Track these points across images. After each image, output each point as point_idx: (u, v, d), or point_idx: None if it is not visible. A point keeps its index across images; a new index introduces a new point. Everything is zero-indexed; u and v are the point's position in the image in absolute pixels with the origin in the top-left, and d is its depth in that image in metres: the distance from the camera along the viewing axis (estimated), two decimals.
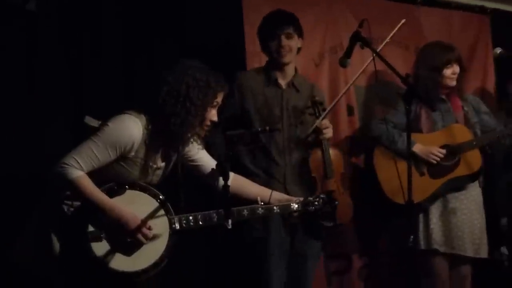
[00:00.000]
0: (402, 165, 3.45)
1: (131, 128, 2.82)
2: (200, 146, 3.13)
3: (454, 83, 4.21)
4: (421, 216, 4.12)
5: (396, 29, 3.88)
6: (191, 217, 2.94)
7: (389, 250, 4.55)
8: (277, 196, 3.27)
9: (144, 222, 2.82)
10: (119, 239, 2.79)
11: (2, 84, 3.57)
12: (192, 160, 3.19)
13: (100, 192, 2.78)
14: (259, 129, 3.39)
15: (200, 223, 2.96)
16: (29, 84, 3.66)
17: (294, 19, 3.74)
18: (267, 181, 3.62)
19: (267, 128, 3.35)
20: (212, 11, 4.16)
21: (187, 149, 3.11)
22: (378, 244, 4.59)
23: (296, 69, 3.84)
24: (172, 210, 2.93)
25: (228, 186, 2.81)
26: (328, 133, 3.69)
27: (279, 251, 3.65)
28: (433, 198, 4.10)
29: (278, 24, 3.70)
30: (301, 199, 3.25)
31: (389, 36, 3.85)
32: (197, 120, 2.90)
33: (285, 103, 3.75)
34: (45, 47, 3.69)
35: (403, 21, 3.90)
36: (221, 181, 2.91)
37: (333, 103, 3.91)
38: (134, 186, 2.89)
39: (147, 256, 2.85)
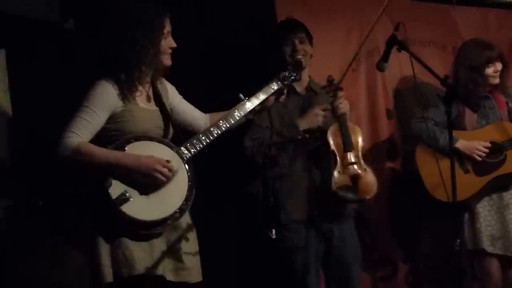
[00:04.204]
0: (445, 163, 3.38)
1: (108, 85, 2.87)
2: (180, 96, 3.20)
3: (497, 80, 4.12)
4: (466, 215, 4.03)
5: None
6: (194, 140, 2.96)
7: (434, 253, 4.48)
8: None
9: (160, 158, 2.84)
10: (142, 187, 2.79)
11: (39, 102, 3.63)
12: (178, 113, 3.18)
13: (108, 149, 2.81)
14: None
15: (205, 141, 2.97)
16: (66, 101, 3.70)
17: (304, 27, 3.79)
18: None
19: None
20: (246, 18, 4.18)
21: (171, 99, 3.14)
22: (423, 247, 4.53)
23: (309, 76, 3.84)
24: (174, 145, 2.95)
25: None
26: (344, 107, 3.66)
27: (312, 258, 3.62)
28: (479, 196, 4.01)
29: (290, 30, 3.75)
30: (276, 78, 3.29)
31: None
32: (156, 57, 2.94)
33: (307, 107, 3.73)
34: (82, 65, 3.73)
35: None
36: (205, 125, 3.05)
37: (344, 73, 3.77)
38: (139, 138, 2.89)
39: (173, 199, 2.86)
